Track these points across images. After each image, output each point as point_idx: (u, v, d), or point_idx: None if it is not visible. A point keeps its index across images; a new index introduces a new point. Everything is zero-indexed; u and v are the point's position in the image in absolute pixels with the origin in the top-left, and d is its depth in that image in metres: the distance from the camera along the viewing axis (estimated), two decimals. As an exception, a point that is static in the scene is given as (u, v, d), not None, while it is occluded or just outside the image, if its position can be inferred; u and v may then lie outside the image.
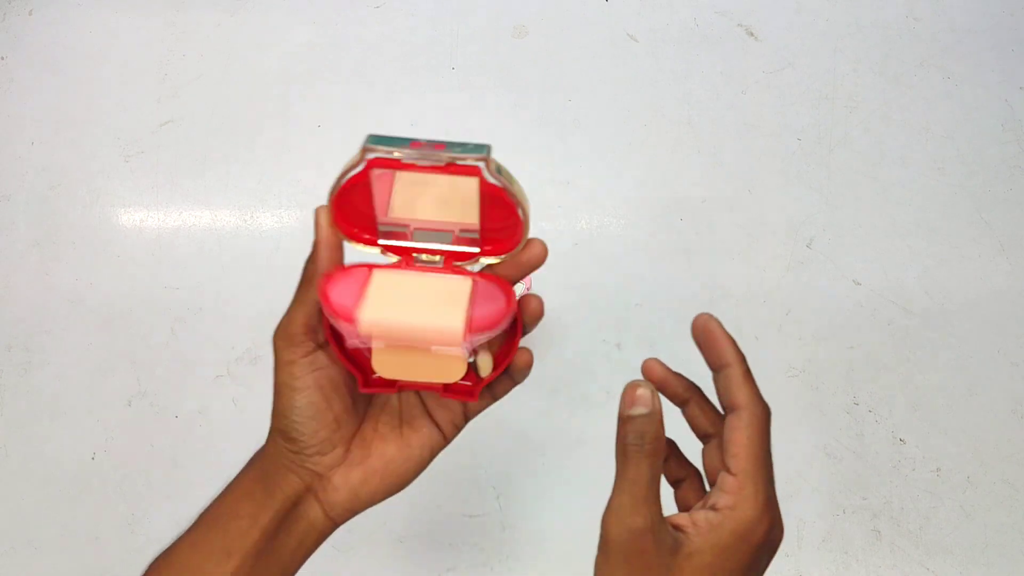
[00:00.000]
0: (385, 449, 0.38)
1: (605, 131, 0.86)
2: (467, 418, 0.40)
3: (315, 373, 0.37)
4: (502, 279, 0.38)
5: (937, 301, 0.79)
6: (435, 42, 0.90)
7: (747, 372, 0.37)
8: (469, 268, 0.38)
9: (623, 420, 0.34)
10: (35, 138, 0.85)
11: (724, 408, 0.36)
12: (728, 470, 0.33)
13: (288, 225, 0.81)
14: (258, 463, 0.38)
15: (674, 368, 0.40)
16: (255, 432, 0.80)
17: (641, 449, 0.33)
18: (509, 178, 0.35)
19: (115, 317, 0.77)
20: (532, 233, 0.74)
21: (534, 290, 0.77)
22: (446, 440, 0.40)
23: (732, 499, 0.33)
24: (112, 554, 0.69)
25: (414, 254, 0.37)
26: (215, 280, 0.79)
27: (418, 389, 0.39)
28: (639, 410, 0.34)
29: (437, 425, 0.40)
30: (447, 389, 0.38)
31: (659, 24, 0.92)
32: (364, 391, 0.38)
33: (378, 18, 0.92)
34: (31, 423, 0.74)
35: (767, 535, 0.33)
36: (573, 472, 0.72)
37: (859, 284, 0.80)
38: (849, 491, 0.72)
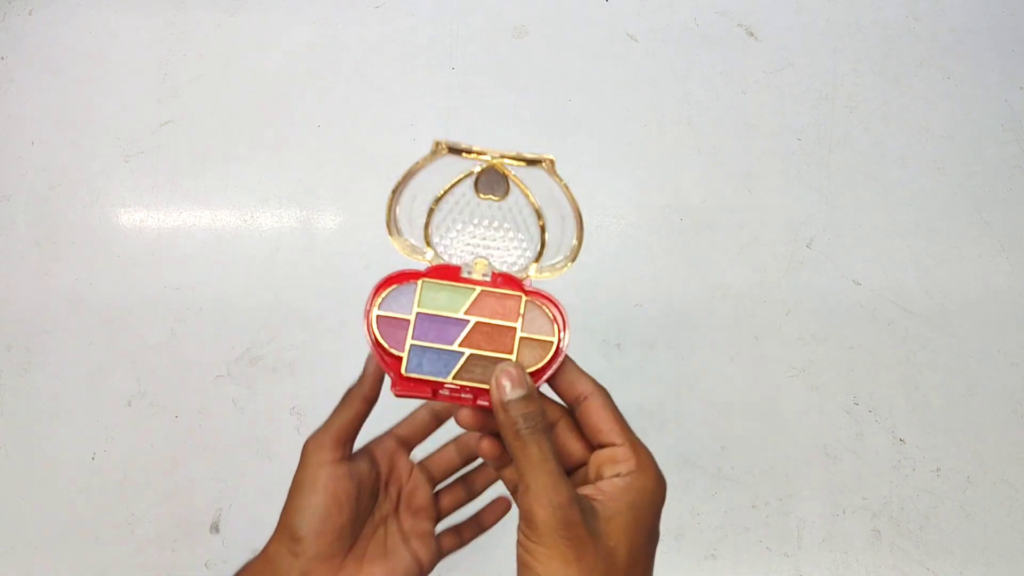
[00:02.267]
0: (373, 570, 0.42)
1: (605, 131, 0.86)
2: (442, 555, 0.46)
3: (336, 481, 0.41)
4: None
5: (937, 301, 0.79)
6: (435, 42, 0.90)
7: (578, 367, 0.39)
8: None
9: (503, 407, 0.35)
10: (35, 138, 0.85)
11: (571, 403, 0.38)
12: (612, 443, 0.36)
13: (288, 225, 0.81)
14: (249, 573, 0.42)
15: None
16: (255, 432, 0.81)
17: (535, 429, 0.35)
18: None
19: (115, 317, 0.77)
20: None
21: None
22: (423, 573, 0.44)
23: (631, 466, 0.35)
24: (112, 554, 0.69)
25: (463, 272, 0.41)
26: (215, 280, 0.79)
27: (451, 401, 0.39)
28: (517, 392, 0.35)
29: (417, 557, 0.44)
30: (477, 404, 0.38)
31: (659, 24, 0.92)
32: (397, 393, 0.39)
33: (378, 18, 0.92)
34: (31, 423, 0.74)
35: (663, 494, 0.36)
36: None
37: (859, 284, 0.80)
38: (849, 491, 0.72)
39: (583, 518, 0.33)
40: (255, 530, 0.70)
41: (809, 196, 0.84)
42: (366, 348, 0.56)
